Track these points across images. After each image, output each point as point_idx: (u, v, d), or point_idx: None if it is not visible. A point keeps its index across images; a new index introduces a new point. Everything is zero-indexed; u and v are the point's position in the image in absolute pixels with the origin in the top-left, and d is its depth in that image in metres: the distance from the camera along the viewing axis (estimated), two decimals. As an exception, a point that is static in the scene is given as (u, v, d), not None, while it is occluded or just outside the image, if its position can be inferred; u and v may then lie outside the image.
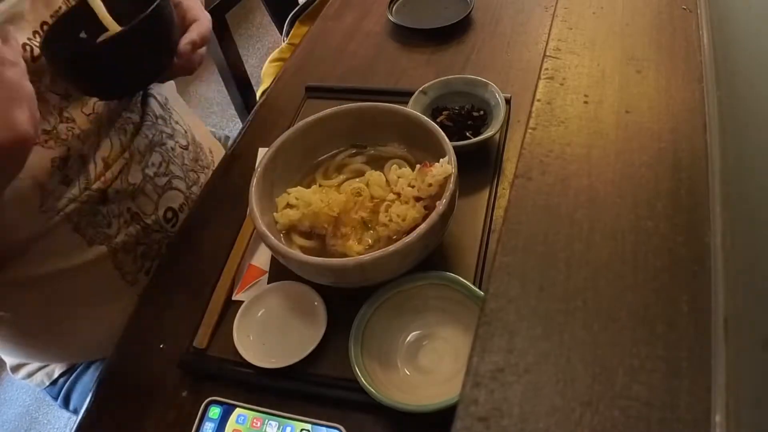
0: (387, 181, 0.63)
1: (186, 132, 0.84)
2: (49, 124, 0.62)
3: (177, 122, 0.83)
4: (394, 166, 0.64)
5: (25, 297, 0.70)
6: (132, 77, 0.65)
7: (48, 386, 0.87)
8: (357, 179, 0.66)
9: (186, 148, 0.82)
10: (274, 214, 0.63)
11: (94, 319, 0.76)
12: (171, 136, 0.79)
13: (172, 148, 0.79)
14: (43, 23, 0.62)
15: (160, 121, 0.78)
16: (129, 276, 0.75)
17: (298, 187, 0.65)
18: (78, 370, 0.85)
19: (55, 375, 0.86)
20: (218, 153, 0.94)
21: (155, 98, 0.79)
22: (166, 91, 0.84)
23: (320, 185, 0.66)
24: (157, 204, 0.75)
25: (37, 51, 0.60)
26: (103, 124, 0.69)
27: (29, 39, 0.60)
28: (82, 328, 0.77)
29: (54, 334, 0.77)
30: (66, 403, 0.86)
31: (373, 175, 0.64)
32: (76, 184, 0.66)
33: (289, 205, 0.63)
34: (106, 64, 0.61)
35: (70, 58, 0.59)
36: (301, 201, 0.62)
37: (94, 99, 0.67)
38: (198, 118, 0.96)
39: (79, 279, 0.70)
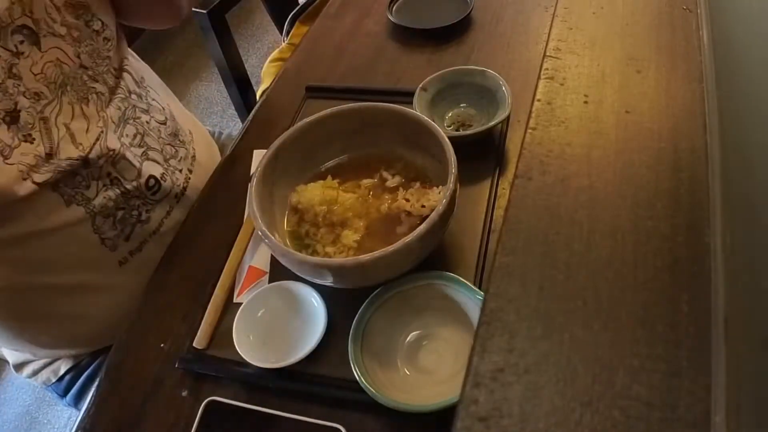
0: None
1: (164, 109, 0.84)
2: None
3: (154, 99, 0.83)
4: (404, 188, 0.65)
5: (3, 259, 0.69)
6: None
7: (54, 383, 0.87)
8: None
9: (164, 123, 0.83)
10: (297, 186, 0.66)
11: (80, 292, 0.76)
12: (146, 111, 0.80)
13: (147, 122, 0.79)
14: None
15: (134, 96, 0.78)
16: (108, 242, 0.75)
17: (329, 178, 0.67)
18: (88, 369, 0.85)
19: (62, 371, 0.86)
20: (198, 135, 0.94)
21: (131, 75, 0.79)
22: (142, 70, 0.84)
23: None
24: (140, 171, 0.76)
25: None
26: (60, 88, 0.68)
27: None
28: (68, 303, 0.77)
29: (41, 312, 0.77)
30: (76, 401, 0.86)
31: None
32: (41, 144, 0.65)
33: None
34: None
35: None
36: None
37: (44, 59, 0.65)
38: (177, 101, 0.96)
39: (58, 240, 0.70)
